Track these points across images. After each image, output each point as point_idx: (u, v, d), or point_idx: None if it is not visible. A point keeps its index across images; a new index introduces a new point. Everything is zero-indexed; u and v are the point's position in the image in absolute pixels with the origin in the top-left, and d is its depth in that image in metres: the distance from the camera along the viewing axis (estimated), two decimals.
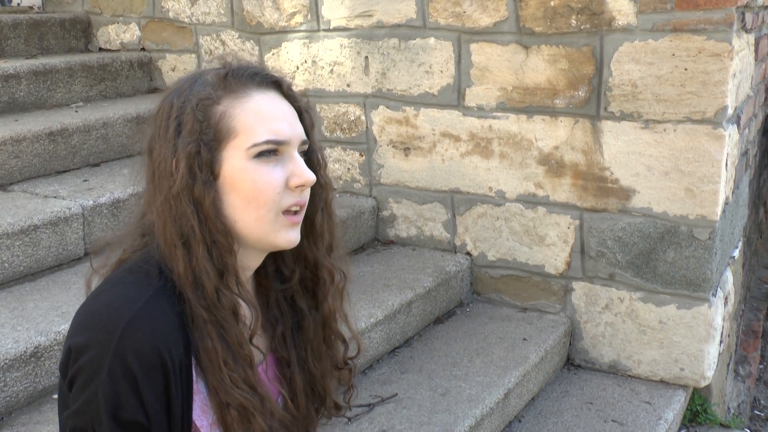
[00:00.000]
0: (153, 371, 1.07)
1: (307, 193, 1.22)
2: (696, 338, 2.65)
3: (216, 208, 1.15)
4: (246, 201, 1.16)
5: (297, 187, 1.18)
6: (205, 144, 1.14)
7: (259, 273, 1.31)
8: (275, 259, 1.31)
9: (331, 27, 3.11)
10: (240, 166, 1.15)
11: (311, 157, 1.26)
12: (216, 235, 1.15)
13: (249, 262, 1.25)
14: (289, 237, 1.20)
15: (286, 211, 1.18)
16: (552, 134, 2.75)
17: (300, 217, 1.22)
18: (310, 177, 1.18)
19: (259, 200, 1.16)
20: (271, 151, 1.16)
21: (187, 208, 1.13)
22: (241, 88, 1.18)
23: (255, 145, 1.15)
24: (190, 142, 1.14)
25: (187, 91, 1.18)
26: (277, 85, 1.22)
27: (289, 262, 1.32)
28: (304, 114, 1.25)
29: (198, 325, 1.14)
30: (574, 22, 2.63)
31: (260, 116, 1.16)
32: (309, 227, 1.27)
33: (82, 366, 1.08)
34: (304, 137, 1.21)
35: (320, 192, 1.28)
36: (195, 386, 1.15)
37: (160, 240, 1.15)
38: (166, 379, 1.09)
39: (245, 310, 1.19)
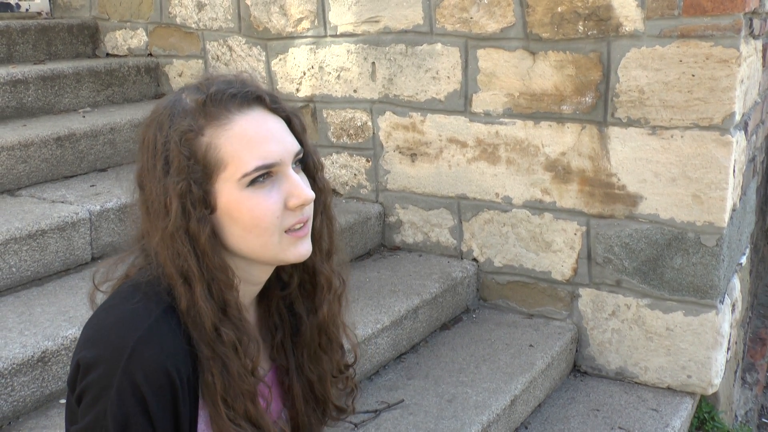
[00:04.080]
0: (162, 390, 1.06)
1: (309, 208, 1.19)
2: (703, 345, 2.64)
3: (213, 243, 1.13)
4: (246, 230, 1.14)
5: (296, 207, 1.15)
6: (194, 181, 1.11)
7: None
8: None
9: (338, 33, 3.12)
10: (234, 197, 1.12)
11: (307, 162, 1.24)
12: (214, 271, 1.13)
13: (258, 278, 1.24)
14: (299, 252, 1.19)
15: (290, 229, 1.16)
16: (559, 140, 2.75)
17: (306, 230, 1.19)
18: (309, 195, 1.16)
19: (260, 228, 1.13)
20: (263, 175, 1.13)
21: (183, 247, 1.11)
22: (223, 113, 1.13)
23: (245, 175, 1.12)
24: (180, 181, 1.11)
25: (168, 123, 1.14)
26: (260, 100, 1.17)
27: (288, 267, 1.29)
28: (294, 120, 1.22)
29: (200, 358, 1.12)
30: (581, 28, 2.63)
31: (246, 142, 1.12)
32: None
33: (91, 383, 1.07)
34: (297, 148, 1.18)
35: (319, 195, 1.25)
36: (201, 401, 1.15)
37: (165, 271, 1.13)
38: (174, 398, 1.08)
39: (248, 342, 1.17)
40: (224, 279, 1.14)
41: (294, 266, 1.29)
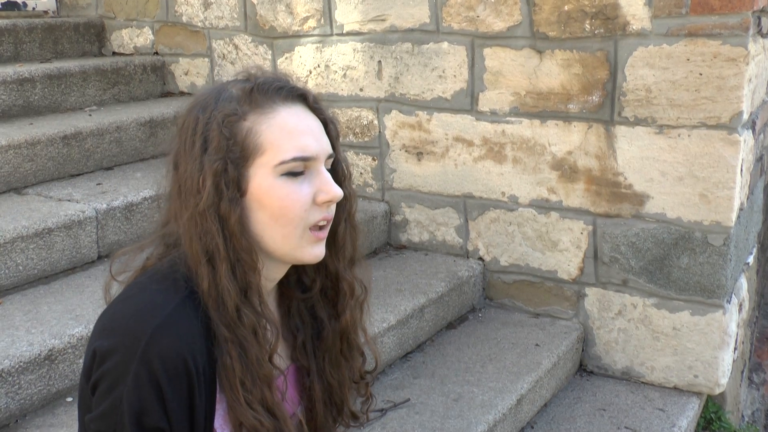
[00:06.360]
0: (178, 378, 1.07)
1: (333, 207, 1.21)
2: (710, 345, 2.63)
3: (241, 225, 1.15)
4: (273, 218, 1.16)
5: (324, 203, 1.17)
6: (231, 161, 1.14)
7: (281, 282, 1.30)
8: (297, 268, 1.31)
9: (344, 31, 3.11)
10: (267, 183, 1.15)
11: (336, 169, 1.26)
12: (240, 253, 1.14)
13: (273, 274, 1.25)
14: (315, 252, 1.20)
15: (313, 227, 1.18)
16: (565, 139, 2.74)
17: (326, 233, 1.21)
18: (338, 193, 1.18)
19: (287, 218, 1.16)
20: (298, 172, 1.15)
21: (213, 226, 1.13)
22: (267, 103, 1.17)
23: (282, 163, 1.14)
24: (217, 160, 1.13)
25: (213, 106, 1.17)
26: (303, 98, 1.21)
27: (311, 272, 1.31)
28: (330, 125, 1.24)
29: (219, 342, 1.13)
30: (588, 26, 2.62)
31: (287, 132, 1.15)
32: (331, 238, 1.26)
33: (107, 370, 1.07)
34: (331, 151, 1.21)
35: (344, 203, 1.27)
36: (218, 395, 1.15)
37: (187, 254, 1.15)
38: (191, 387, 1.09)
39: (267, 327, 1.19)
40: (249, 261, 1.15)
41: (317, 271, 1.31)
